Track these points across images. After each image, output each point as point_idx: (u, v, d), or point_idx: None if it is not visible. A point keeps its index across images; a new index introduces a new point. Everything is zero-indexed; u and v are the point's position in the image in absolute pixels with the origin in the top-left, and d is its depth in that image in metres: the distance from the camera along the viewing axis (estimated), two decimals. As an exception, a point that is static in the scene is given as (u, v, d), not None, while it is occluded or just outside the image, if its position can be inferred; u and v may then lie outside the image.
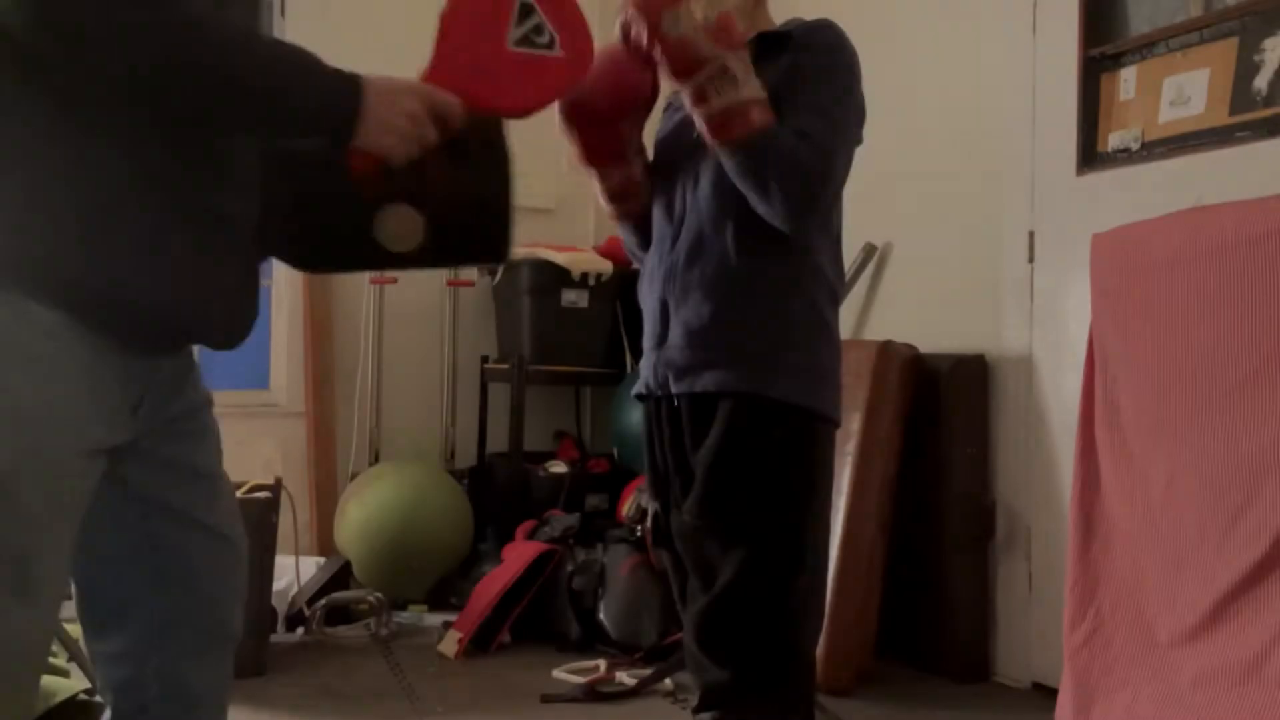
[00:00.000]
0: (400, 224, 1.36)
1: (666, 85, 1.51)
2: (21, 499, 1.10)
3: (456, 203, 1.38)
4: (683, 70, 1.40)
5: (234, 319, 1.28)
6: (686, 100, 1.44)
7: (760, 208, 1.44)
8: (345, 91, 1.18)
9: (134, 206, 1.14)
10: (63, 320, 1.11)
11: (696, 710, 1.52)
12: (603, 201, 1.66)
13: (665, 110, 1.73)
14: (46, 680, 1.82)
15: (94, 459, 1.17)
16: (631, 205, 1.64)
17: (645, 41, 1.40)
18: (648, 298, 1.61)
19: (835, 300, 1.58)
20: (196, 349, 1.34)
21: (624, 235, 1.72)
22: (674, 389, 1.54)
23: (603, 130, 1.56)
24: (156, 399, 1.24)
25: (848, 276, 3.12)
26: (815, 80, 1.47)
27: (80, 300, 1.12)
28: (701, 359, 1.50)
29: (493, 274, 4.00)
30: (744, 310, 1.49)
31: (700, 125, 1.44)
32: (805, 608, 1.50)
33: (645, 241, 1.67)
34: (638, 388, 1.64)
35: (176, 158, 1.17)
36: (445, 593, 3.47)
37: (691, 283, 1.52)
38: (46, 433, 1.11)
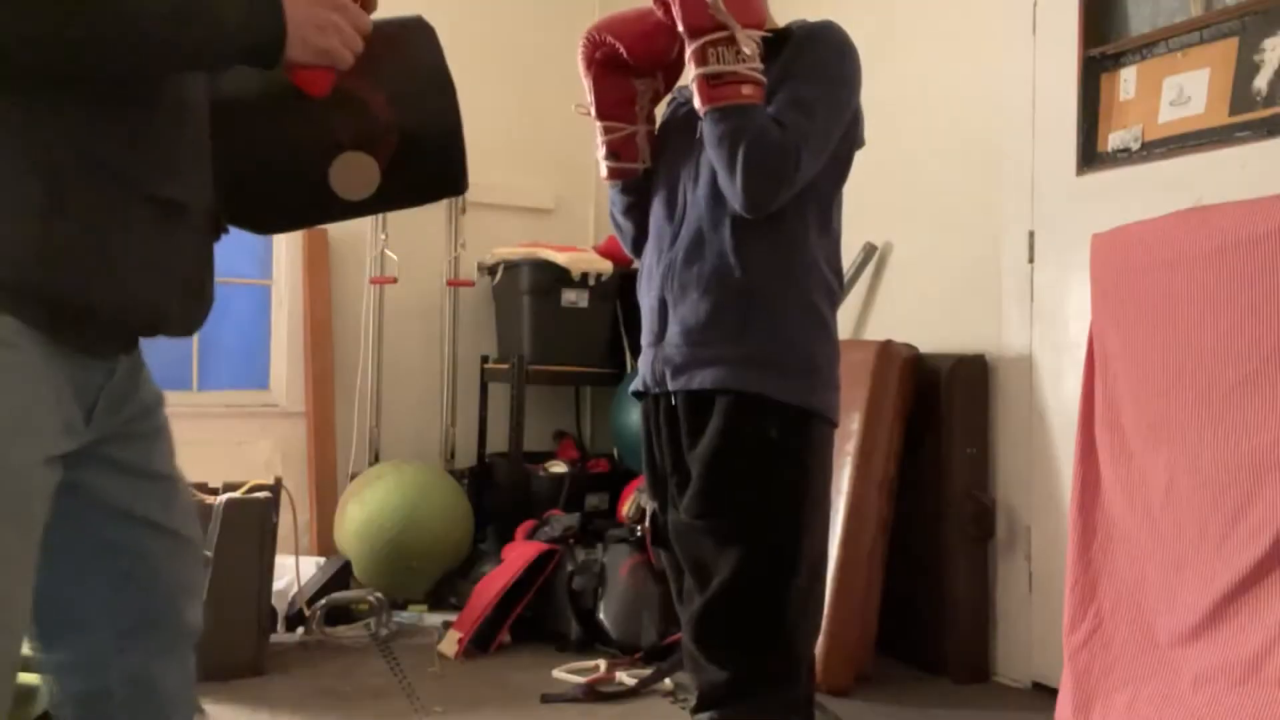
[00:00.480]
0: (354, 171, 1.35)
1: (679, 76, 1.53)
2: None
3: (406, 139, 1.36)
4: (694, 26, 1.44)
5: (191, 307, 1.26)
6: (690, 58, 1.47)
7: (724, 183, 1.47)
8: (263, 4, 1.16)
9: (81, 200, 1.10)
10: (11, 325, 1.07)
11: (695, 710, 1.52)
12: (600, 155, 1.68)
13: (669, 103, 1.74)
14: (35, 683, 1.81)
15: (52, 468, 1.13)
16: (627, 165, 1.67)
17: None
18: (646, 295, 1.62)
19: (833, 300, 1.58)
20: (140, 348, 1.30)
21: (611, 197, 1.74)
22: (671, 386, 1.54)
23: (619, 79, 1.61)
24: (110, 401, 1.21)
25: (847, 276, 3.12)
26: (805, 77, 1.49)
27: (30, 302, 1.08)
28: (698, 356, 1.51)
29: (493, 274, 4.00)
30: (741, 308, 1.50)
31: (695, 88, 1.47)
32: (802, 608, 1.50)
33: (630, 210, 1.70)
34: (635, 384, 1.65)
35: (122, 147, 1.14)
36: (445, 593, 3.47)
37: (690, 281, 1.53)
38: (2, 444, 1.07)
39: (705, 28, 1.43)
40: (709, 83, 1.44)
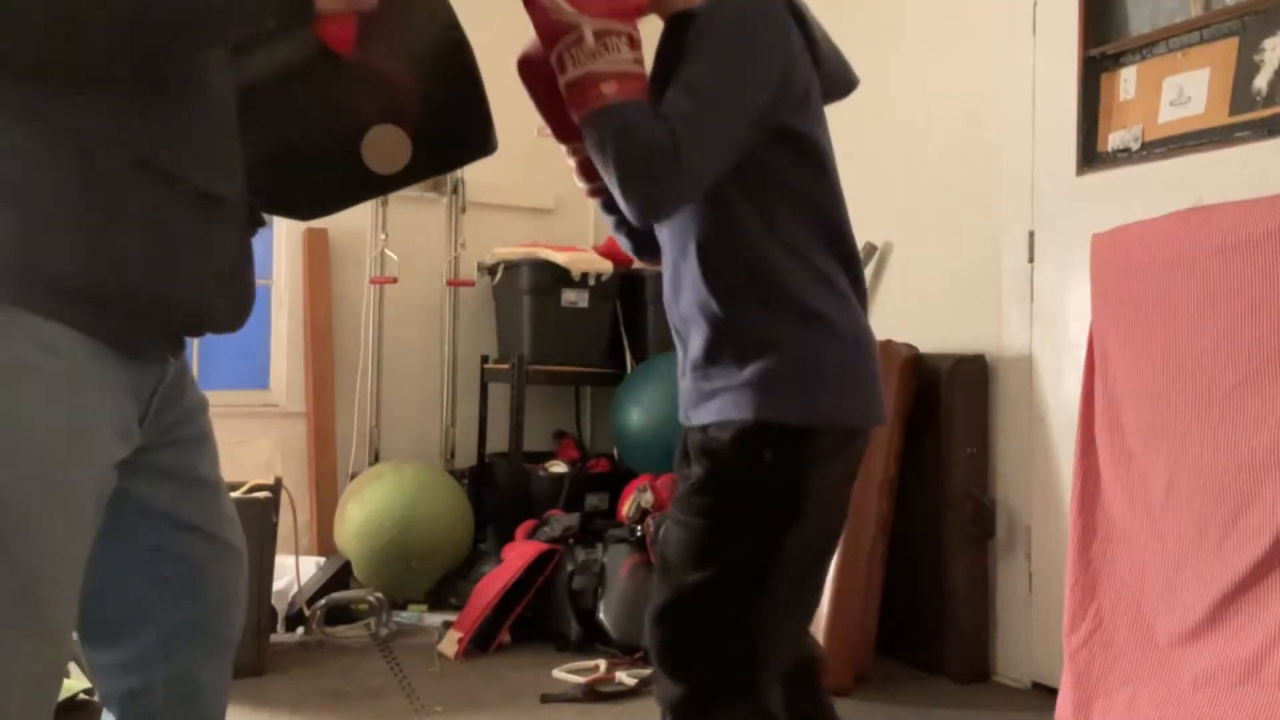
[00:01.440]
0: (386, 145, 1.37)
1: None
2: (31, 527, 1.06)
3: (429, 105, 1.37)
4: (543, 35, 1.31)
5: (236, 303, 1.26)
6: (554, 65, 1.32)
7: (615, 197, 1.32)
8: None
9: (134, 204, 1.11)
10: (62, 331, 1.07)
11: None
12: (575, 179, 1.55)
13: None
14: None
15: (107, 476, 1.14)
16: (601, 185, 1.50)
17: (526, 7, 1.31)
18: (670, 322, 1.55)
19: (840, 294, 1.42)
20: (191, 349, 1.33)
21: (601, 215, 1.61)
22: (692, 421, 1.50)
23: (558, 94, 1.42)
24: (161, 406, 1.22)
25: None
26: (692, 55, 1.31)
27: (88, 310, 1.08)
28: (703, 390, 1.43)
29: (493, 274, 4.00)
30: (730, 335, 1.40)
31: (563, 94, 1.33)
32: (768, 623, 1.40)
33: (619, 225, 1.58)
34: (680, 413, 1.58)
35: (168, 145, 1.14)
36: (445, 593, 3.47)
37: (686, 315, 1.45)
38: (56, 455, 1.07)
39: (556, 34, 1.29)
40: (570, 92, 1.30)
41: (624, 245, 1.66)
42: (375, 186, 1.42)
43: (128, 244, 1.11)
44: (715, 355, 1.40)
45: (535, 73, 1.42)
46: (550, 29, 1.29)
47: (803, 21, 1.39)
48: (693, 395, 1.46)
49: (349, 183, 1.42)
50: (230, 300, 1.25)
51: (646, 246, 1.59)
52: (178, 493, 1.27)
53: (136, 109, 1.12)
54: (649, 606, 1.44)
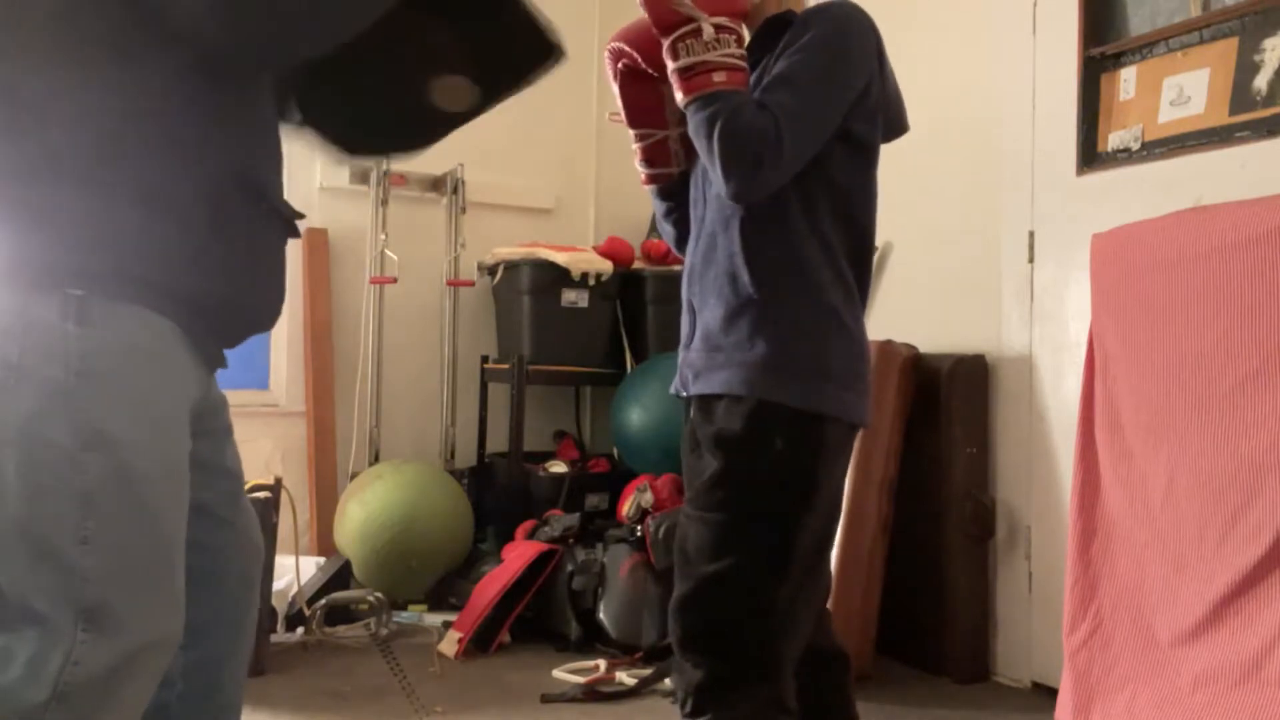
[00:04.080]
0: (451, 90, 1.50)
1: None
2: (168, 501, 1.18)
3: (479, 45, 1.49)
4: (660, 24, 1.42)
5: (278, 300, 1.37)
6: (665, 56, 1.45)
7: (712, 177, 1.44)
8: None
9: (236, 218, 1.24)
10: (171, 330, 1.18)
11: (682, 709, 1.50)
12: (637, 164, 1.68)
13: None
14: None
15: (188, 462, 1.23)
16: (661, 171, 1.66)
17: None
18: (683, 295, 1.61)
19: (852, 295, 1.51)
20: None
21: (654, 202, 1.72)
22: (692, 390, 1.53)
23: (645, 86, 1.60)
24: (205, 399, 1.31)
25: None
26: (794, 54, 1.44)
27: (190, 310, 1.20)
28: (714, 361, 1.49)
29: (493, 274, 4.00)
30: (752, 312, 1.46)
31: (673, 84, 1.45)
32: (789, 609, 1.45)
33: (670, 213, 1.69)
34: (673, 386, 1.64)
35: (260, 163, 1.28)
36: (445, 593, 3.47)
37: (708, 285, 1.51)
38: (175, 435, 1.19)
39: (673, 23, 1.41)
40: (682, 76, 1.43)
41: (666, 234, 1.74)
42: (450, 122, 1.54)
43: (233, 256, 1.24)
44: (731, 328, 1.47)
45: (625, 60, 1.58)
46: (668, 18, 1.41)
47: (883, 58, 1.51)
48: (698, 364, 1.52)
49: (428, 123, 1.54)
50: (278, 304, 1.38)
51: (686, 237, 1.67)
52: (206, 482, 1.31)
53: (241, 126, 1.25)
54: (671, 600, 1.49)
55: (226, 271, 1.23)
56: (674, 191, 1.67)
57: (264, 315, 1.34)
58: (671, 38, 1.42)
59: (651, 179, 1.68)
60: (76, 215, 1.13)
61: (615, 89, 1.64)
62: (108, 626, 1.11)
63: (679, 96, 1.45)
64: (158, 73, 1.16)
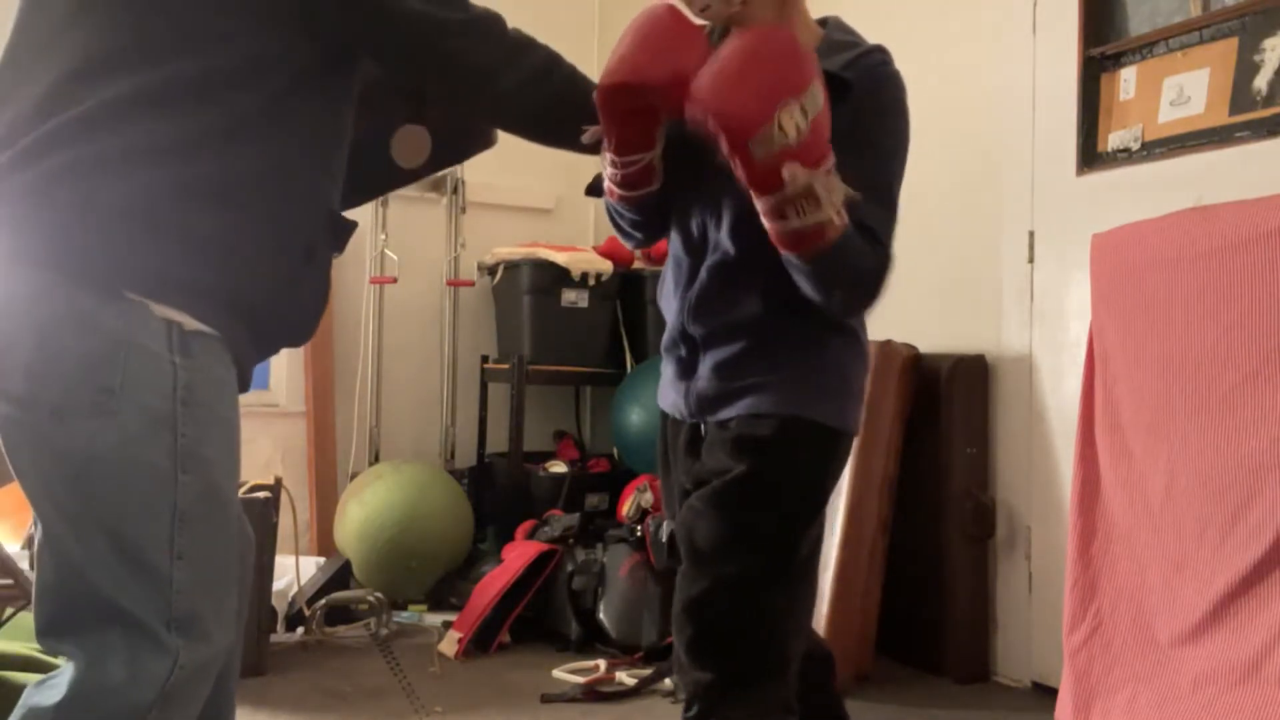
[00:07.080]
0: (412, 142, 1.53)
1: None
2: (232, 510, 1.29)
3: (443, 105, 1.53)
4: (764, 189, 1.24)
5: (320, 314, 1.43)
6: (759, 205, 1.27)
7: (812, 296, 1.36)
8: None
9: (321, 250, 1.36)
10: (231, 356, 1.28)
11: (685, 710, 1.50)
12: (608, 181, 1.48)
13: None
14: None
15: None
16: (645, 191, 1.46)
17: (725, 153, 1.24)
18: (670, 316, 1.55)
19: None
20: None
21: (614, 209, 1.54)
22: (710, 419, 1.51)
23: (645, 117, 1.37)
24: None
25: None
26: (878, 148, 1.41)
27: (260, 340, 1.32)
28: (733, 388, 1.47)
29: (493, 274, 4.00)
30: (778, 341, 1.46)
31: (770, 231, 1.29)
32: (790, 608, 1.47)
33: (638, 225, 1.55)
34: (664, 406, 1.60)
35: (338, 199, 1.38)
36: (445, 593, 3.47)
37: (723, 322, 1.47)
38: (236, 455, 1.31)
39: (778, 188, 1.23)
40: (793, 236, 1.27)
41: (630, 240, 1.63)
42: (398, 180, 1.57)
43: (311, 283, 1.36)
44: (758, 357, 1.47)
45: (626, 99, 1.34)
46: (771, 183, 1.23)
47: None
48: (711, 392, 1.50)
49: (378, 177, 1.57)
50: (317, 314, 1.44)
51: (651, 241, 1.63)
52: None
53: (339, 160, 1.37)
54: (680, 597, 1.48)
55: (300, 306, 1.36)
56: (645, 204, 1.50)
57: (308, 333, 1.43)
58: (774, 199, 1.24)
59: (633, 199, 1.48)
60: (208, 236, 1.23)
61: (608, 122, 1.38)
62: (195, 634, 1.21)
63: (783, 250, 1.30)
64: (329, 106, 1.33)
